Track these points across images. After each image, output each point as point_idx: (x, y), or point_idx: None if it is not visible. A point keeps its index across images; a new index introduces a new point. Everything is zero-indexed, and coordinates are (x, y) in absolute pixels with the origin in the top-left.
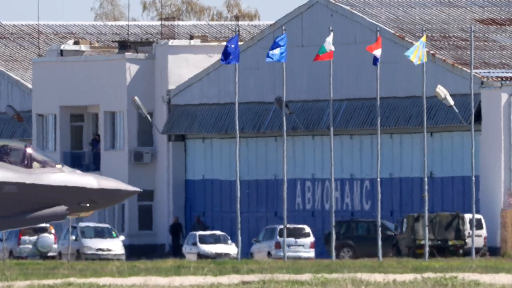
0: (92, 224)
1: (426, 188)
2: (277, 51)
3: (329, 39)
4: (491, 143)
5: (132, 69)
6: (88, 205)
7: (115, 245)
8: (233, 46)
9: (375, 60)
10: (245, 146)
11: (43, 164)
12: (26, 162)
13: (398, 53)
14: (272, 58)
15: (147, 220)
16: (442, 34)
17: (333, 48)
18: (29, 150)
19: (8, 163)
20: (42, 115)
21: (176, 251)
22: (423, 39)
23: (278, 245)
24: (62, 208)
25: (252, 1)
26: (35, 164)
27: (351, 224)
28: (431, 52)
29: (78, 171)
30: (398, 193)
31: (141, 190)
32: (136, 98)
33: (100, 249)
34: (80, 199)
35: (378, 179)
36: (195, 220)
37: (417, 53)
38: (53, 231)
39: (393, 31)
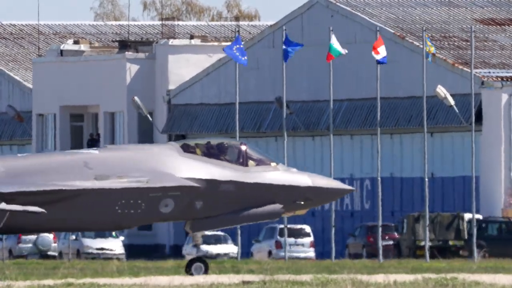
0: None
1: (426, 188)
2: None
3: (334, 39)
4: (491, 143)
5: (132, 69)
6: (302, 203)
7: (115, 245)
8: (236, 47)
9: (383, 58)
10: None
11: (259, 162)
12: (242, 160)
13: (398, 53)
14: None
15: None
16: (442, 34)
17: (346, 50)
18: (245, 148)
19: (225, 162)
20: (42, 115)
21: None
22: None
23: (278, 245)
24: (277, 207)
25: (252, 1)
26: (250, 162)
27: (482, 224)
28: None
29: (293, 169)
30: (399, 193)
31: (354, 189)
32: (136, 98)
33: (100, 249)
34: (295, 197)
35: (379, 179)
36: None
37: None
38: None
39: (393, 31)
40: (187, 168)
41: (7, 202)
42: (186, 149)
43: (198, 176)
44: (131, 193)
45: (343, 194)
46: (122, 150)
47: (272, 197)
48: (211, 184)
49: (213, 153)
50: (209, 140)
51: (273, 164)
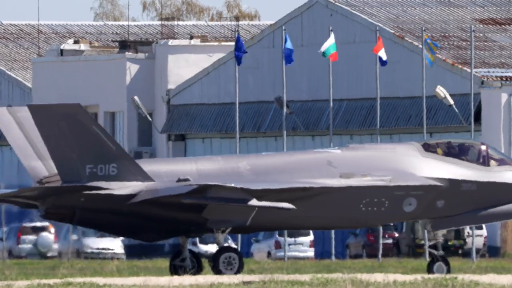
0: None
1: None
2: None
3: (332, 39)
4: (491, 143)
5: (132, 69)
6: None
7: (115, 245)
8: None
9: (383, 62)
10: (245, 146)
11: (500, 162)
12: (483, 160)
13: (398, 53)
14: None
15: None
16: (442, 34)
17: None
18: (486, 148)
19: (466, 161)
20: None
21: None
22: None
23: (277, 245)
24: None
25: (252, 1)
26: (492, 162)
27: None
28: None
29: None
30: None
31: None
32: (136, 98)
33: (100, 249)
34: None
35: None
36: None
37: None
38: (52, 230)
39: (393, 31)
40: (429, 168)
41: (257, 199)
42: (427, 148)
43: (441, 176)
44: (376, 191)
45: None
46: (365, 149)
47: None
48: (453, 183)
49: (454, 152)
50: (449, 140)
51: None
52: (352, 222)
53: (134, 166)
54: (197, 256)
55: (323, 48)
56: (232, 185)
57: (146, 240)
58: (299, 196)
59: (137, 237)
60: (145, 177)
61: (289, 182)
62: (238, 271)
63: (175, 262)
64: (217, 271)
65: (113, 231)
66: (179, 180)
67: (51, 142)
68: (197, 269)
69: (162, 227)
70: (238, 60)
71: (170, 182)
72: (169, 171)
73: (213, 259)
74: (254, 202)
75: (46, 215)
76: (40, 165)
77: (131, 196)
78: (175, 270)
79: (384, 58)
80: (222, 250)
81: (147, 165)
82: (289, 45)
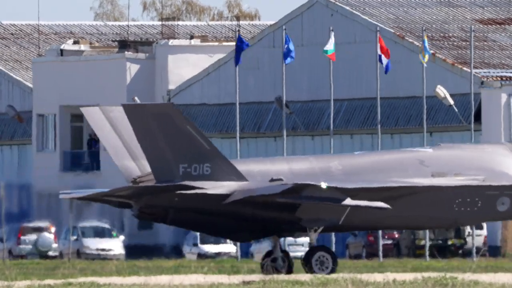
0: (92, 224)
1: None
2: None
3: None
4: None
5: (132, 69)
6: None
7: (115, 245)
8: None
9: (386, 68)
10: (245, 146)
11: None
12: None
13: (398, 53)
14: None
15: None
16: (442, 34)
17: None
18: None
19: None
20: (42, 115)
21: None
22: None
23: None
24: None
25: (253, 1)
26: None
27: None
28: (431, 51)
29: None
30: None
31: None
32: (136, 98)
33: (100, 249)
34: None
35: None
36: None
37: (424, 53)
38: (53, 230)
39: (393, 31)
40: None
41: (352, 198)
42: None
43: None
44: (469, 191)
45: None
46: (456, 149)
47: None
48: None
49: None
50: None
51: None
52: (445, 222)
53: (228, 166)
54: (288, 256)
55: (327, 47)
56: (327, 184)
57: (239, 240)
58: (391, 195)
59: (230, 237)
60: (239, 176)
61: (382, 181)
62: (331, 271)
63: (266, 262)
64: (310, 270)
65: (207, 231)
66: (272, 180)
67: (145, 141)
68: (288, 269)
69: (255, 226)
70: (237, 60)
71: (263, 182)
72: (262, 170)
73: (305, 259)
74: (349, 201)
75: (139, 215)
76: (133, 164)
77: (225, 196)
78: (266, 270)
79: (385, 62)
80: (315, 249)
81: (240, 165)
82: (291, 46)
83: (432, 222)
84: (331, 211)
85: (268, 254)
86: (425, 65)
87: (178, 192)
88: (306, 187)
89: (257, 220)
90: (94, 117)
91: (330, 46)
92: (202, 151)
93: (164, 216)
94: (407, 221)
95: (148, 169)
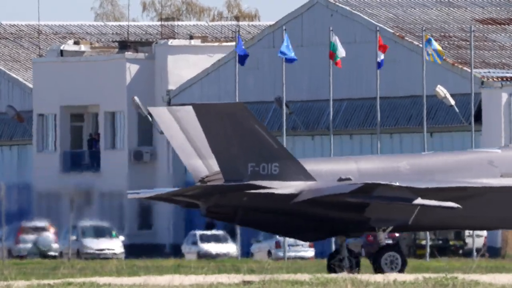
0: (92, 224)
1: None
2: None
3: (336, 40)
4: (491, 143)
5: (132, 69)
6: None
7: (115, 245)
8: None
9: (379, 63)
10: None
11: None
12: None
13: (398, 53)
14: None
15: (147, 219)
16: (442, 34)
17: (344, 53)
18: None
19: None
20: (42, 115)
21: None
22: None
23: (278, 245)
24: None
25: (253, 1)
26: None
27: None
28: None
29: None
30: None
31: None
32: (136, 98)
33: (99, 249)
34: None
35: None
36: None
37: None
38: (52, 230)
39: (392, 31)
40: None
41: (421, 198)
42: None
43: None
44: None
45: None
46: None
47: None
48: None
49: None
50: None
51: None
52: None
53: (297, 166)
54: (356, 255)
55: (339, 53)
56: (398, 184)
57: (306, 239)
58: (461, 195)
59: (298, 236)
60: (307, 176)
61: (452, 181)
62: (401, 270)
63: (333, 261)
64: (379, 270)
65: (275, 231)
66: (340, 179)
67: (214, 140)
68: (356, 269)
69: (323, 226)
70: (241, 60)
71: (331, 182)
72: (330, 170)
73: (375, 258)
74: (419, 201)
75: (207, 214)
76: (200, 164)
77: (294, 195)
78: (333, 270)
79: (379, 59)
80: (384, 249)
81: (308, 165)
82: (284, 48)
83: (501, 223)
84: (400, 211)
85: (335, 253)
86: (439, 62)
87: (247, 191)
88: (377, 186)
89: (325, 219)
90: (162, 117)
91: (342, 53)
92: (271, 150)
93: (232, 215)
94: (475, 222)
95: (215, 168)
